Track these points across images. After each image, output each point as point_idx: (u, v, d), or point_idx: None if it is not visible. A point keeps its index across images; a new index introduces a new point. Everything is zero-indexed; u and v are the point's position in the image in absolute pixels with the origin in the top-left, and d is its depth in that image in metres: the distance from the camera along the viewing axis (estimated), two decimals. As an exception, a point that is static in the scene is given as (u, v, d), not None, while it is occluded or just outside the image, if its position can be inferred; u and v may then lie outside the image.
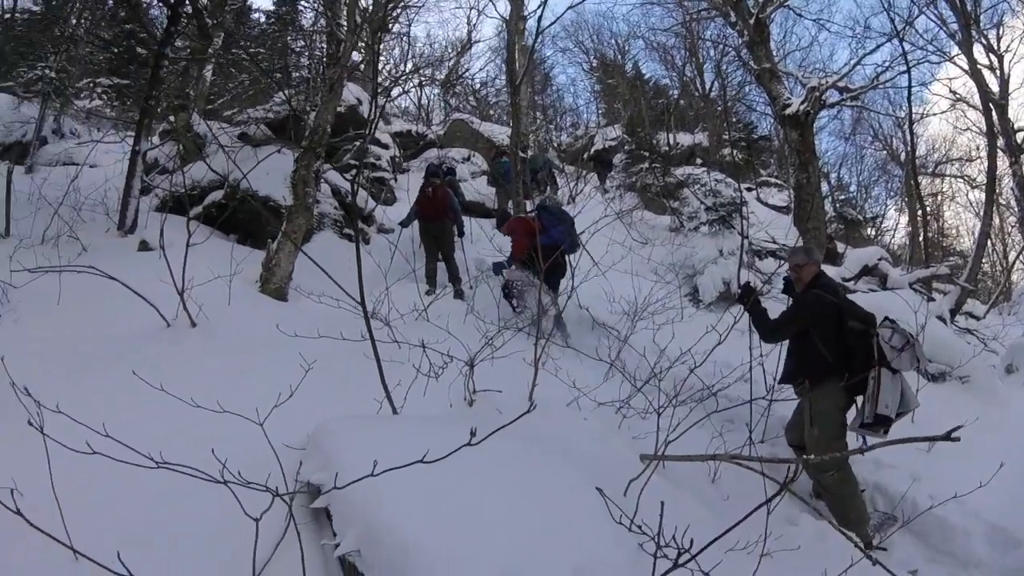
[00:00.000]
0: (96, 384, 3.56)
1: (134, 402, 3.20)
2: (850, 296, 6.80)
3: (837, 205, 21.42)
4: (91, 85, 9.79)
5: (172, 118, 8.74)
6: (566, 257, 6.46)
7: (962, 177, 21.11)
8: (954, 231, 26.16)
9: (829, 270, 9.70)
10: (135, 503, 2.70)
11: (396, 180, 12.36)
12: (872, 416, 3.94)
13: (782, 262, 9.56)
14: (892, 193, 26.27)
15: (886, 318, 4.18)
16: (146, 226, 6.53)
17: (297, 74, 10.45)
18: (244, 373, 3.95)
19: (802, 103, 10.98)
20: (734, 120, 20.38)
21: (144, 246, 6.19)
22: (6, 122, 10.01)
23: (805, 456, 3.89)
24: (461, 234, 8.20)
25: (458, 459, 2.90)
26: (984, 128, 12.34)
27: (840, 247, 12.39)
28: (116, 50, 8.03)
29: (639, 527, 2.20)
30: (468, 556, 2.29)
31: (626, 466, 3.55)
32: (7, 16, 8.15)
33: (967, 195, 23.51)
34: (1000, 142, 11.68)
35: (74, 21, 8.58)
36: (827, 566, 2.68)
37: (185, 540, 2.55)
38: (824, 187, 21.91)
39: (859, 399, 4.13)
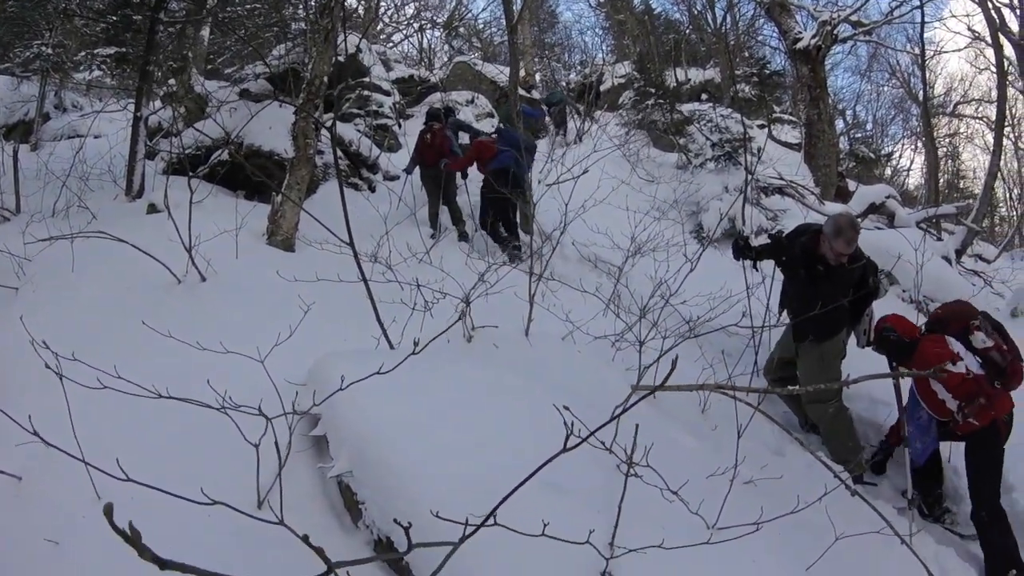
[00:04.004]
0: (109, 336, 3.72)
1: (144, 349, 3.39)
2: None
3: (852, 143, 20.96)
4: (89, 57, 9.83)
5: (172, 81, 8.78)
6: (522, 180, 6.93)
7: (980, 118, 20.41)
8: (972, 172, 25.88)
9: (836, 208, 9.66)
10: (148, 439, 2.90)
11: (400, 126, 12.34)
12: (867, 343, 4.44)
13: (784, 198, 9.54)
14: (909, 132, 25.76)
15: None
16: (153, 189, 6.64)
17: (296, 26, 10.34)
18: (250, 319, 4.11)
19: (813, 37, 10.74)
20: (746, 55, 19.84)
21: (152, 209, 6.30)
22: (7, 103, 10.12)
23: (798, 388, 4.11)
24: (464, 176, 8.24)
25: (448, 386, 3.11)
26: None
27: (852, 185, 12.17)
28: (111, 19, 8.02)
29: (606, 447, 2.37)
30: (448, 474, 2.48)
31: (616, 395, 3.66)
32: (-3, 1, 8.15)
33: (984, 137, 22.85)
34: (1021, 84, 11.22)
35: (66, -4, 8.54)
36: (809, 496, 2.82)
37: (194, 469, 2.76)
38: (840, 124, 21.49)
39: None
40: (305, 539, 1.27)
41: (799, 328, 4.43)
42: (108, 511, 1.09)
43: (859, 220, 9.54)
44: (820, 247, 4.31)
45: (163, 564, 1.10)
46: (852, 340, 4.60)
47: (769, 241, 4.86)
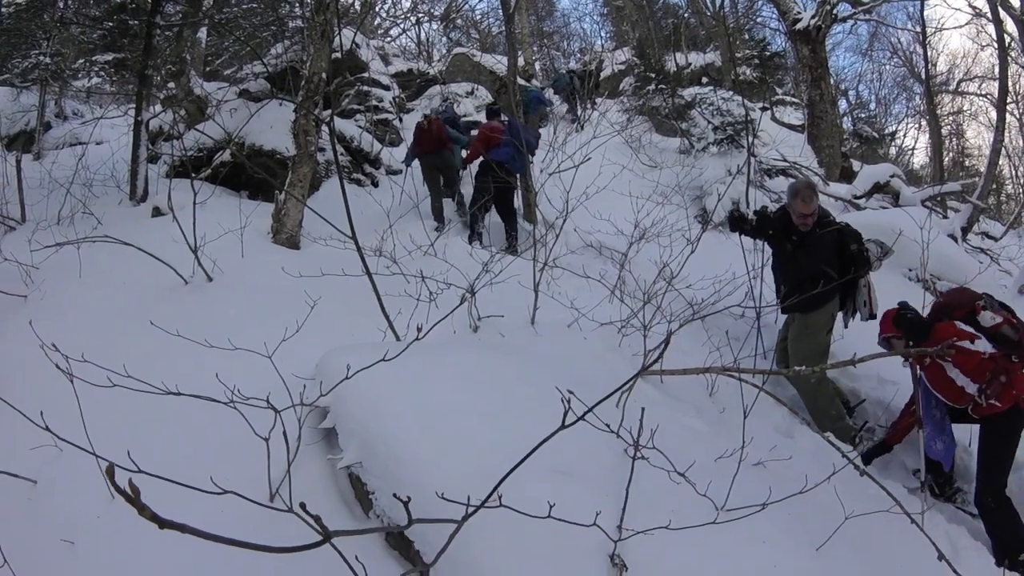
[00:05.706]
0: (118, 338, 3.77)
1: (153, 349, 3.43)
2: (860, 213, 6.86)
3: (856, 123, 20.84)
4: (87, 64, 9.85)
5: (171, 84, 8.80)
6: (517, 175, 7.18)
7: (984, 95, 20.24)
8: (976, 150, 25.71)
9: (840, 188, 9.61)
10: (159, 437, 2.94)
11: (400, 121, 12.34)
12: (869, 316, 4.48)
13: (789, 179, 9.49)
14: (912, 111, 25.68)
15: (869, 239, 4.56)
16: (157, 193, 6.70)
17: (293, 24, 10.36)
18: (257, 316, 4.13)
19: (813, 17, 10.66)
20: (747, 38, 19.72)
21: (157, 212, 6.34)
22: (8, 114, 10.17)
23: (800, 369, 4.12)
24: (463, 167, 8.25)
25: (455, 376, 3.13)
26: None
27: (856, 165, 12.10)
28: (108, 25, 8.02)
29: (612, 430, 2.37)
30: (455, 461, 2.50)
31: (622, 381, 3.70)
32: (-6, 14, 8.20)
33: (987, 114, 22.78)
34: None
35: (62, 4, 8.53)
36: (818, 476, 2.80)
37: (205, 465, 2.79)
38: (842, 104, 21.39)
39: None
40: (302, 507, 1.29)
41: (786, 302, 4.50)
42: (109, 472, 1.11)
43: (863, 199, 9.60)
44: (792, 218, 4.43)
45: (162, 523, 1.13)
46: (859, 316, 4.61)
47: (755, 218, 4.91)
